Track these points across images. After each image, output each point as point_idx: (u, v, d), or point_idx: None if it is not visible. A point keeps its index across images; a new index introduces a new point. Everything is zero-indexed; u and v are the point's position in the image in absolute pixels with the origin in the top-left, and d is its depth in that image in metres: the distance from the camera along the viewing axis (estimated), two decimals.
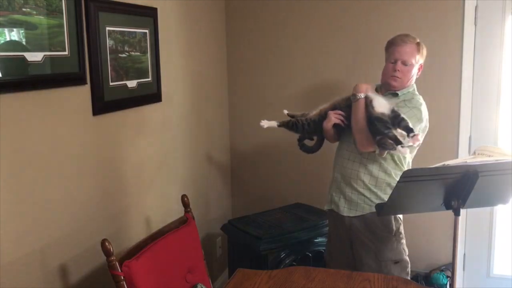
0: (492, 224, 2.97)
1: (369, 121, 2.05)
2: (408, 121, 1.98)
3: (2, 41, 1.53)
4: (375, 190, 2.20)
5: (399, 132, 1.95)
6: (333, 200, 2.34)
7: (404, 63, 2.15)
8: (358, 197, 2.23)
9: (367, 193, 2.21)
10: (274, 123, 2.33)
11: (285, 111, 2.40)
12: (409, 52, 2.15)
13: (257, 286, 1.80)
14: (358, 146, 2.15)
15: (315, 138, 2.43)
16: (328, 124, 2.23)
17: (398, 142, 1.94)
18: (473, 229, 2.99)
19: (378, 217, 2.16)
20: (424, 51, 2.20)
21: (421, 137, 2.13)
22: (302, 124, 2.30)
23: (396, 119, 1.98)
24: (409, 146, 1.98)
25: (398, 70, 2.15)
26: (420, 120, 2.11)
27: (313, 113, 2.31)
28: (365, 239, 2.24)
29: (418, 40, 2.19)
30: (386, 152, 2.10)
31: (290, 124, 2.32)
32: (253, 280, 1.84)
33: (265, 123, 2.32)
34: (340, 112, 2.22)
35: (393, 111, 2.01)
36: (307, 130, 2.32)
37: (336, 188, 2.32)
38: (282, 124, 2.33)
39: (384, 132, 1.96)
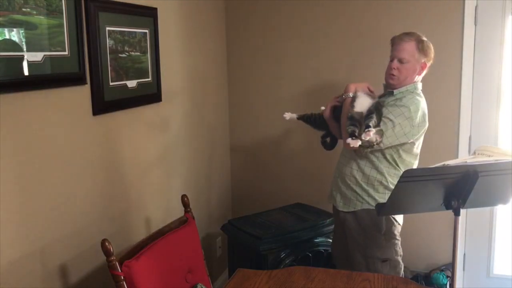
0: (492, 224, 2.97)
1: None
2: (374, 119, 2.01)
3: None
4: (366, 187, 2.22)
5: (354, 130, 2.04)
6: (332, 195, 2.39)
7: (400, 61, 2.16)
8: (351, 194, 2.26)
9: (359, 190, 2.24)
10: (294, 116, 2.45)
11: (322, 108, 2.45)
12: (405, 50, 2.15)
13: (257, 286, 1.80)
14: (344, 144, 2.20)
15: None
16: (325, 112, 2.31)
17: (351, 135, 2.02)
18: (473, 229, 2.99)
19: (371, 216, 2.19)
20: (428, 50, 2.18)
21: (412, 136, 2.14)
22: (314, 118, 2.42)
23: (366, 118, 2.03)
24: (362, 140, 2.01)
25: (394, 68, 2.17)
26: (410, 118, 2.09)
27: (323, 107, 2.42)
28: (356, 235, 2.28)
29: (422, 38, 2.17)
30: (367, 149, 2.13)
31: (306, 118, 2.45)
32: (253, 280, 1.84)
33: (287, 115, 2.44)
34: (337, 96, 2.28)
35: (369, 110, 2.05)
36: (319, 124, 2.42)
37: (334, 183, 2.37)
38: (300, 117, 2.45)
39: (347, 128, 2.05)
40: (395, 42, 2.19)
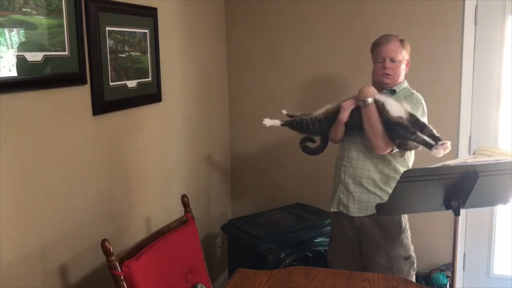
0: (492, 224, 2.98)
1: (387, 125, 2.07)
2: (431, 127, 2.00)
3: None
4: (385, 187, 2.22)
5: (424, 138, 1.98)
6: (341, 202, 2.32)
7: (392, 60, 2.21)
8: (368, 197, 2.24)
9: (378, 191, 2.23)
10: (277, 122, 2.28)
11: (284, 111, 2.37)
12: (394, 50, 2.21)
13: (257, 286, 1.80)
14: (377, 151, 2.14)
15: (316, 140, 2.41)
16: (343, 115, 2.18)
17: (428, 146, 1.95)
18: (473, 229, 2.99)
19: (380, 216, 2.18)
20: (408, 47, 2.26)
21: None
22: (307, 123, 2.26)
23: (417, 124, 2.01)
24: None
25: (388, 68, 2.21)
26: (424, 114, 2.18)
27: (318, 112, 2.29)
28: (376, 237, 2.26)
29: (401, 38, 2.25)
30: (406, 152, 2.16)
31: (294, 123, 2.27)
32: (253, 280, 1.84)
33: (267, 122, 2.27)
34: (353, 101, 2.20)
35: (411, 115, 2.04)
36: (312, 130, 2.28)
37: (344, 189, 2.30)
38: (285, 123, 2.29)
39: (410, 137, 1.99)
40: (382, 43, 2.24)
